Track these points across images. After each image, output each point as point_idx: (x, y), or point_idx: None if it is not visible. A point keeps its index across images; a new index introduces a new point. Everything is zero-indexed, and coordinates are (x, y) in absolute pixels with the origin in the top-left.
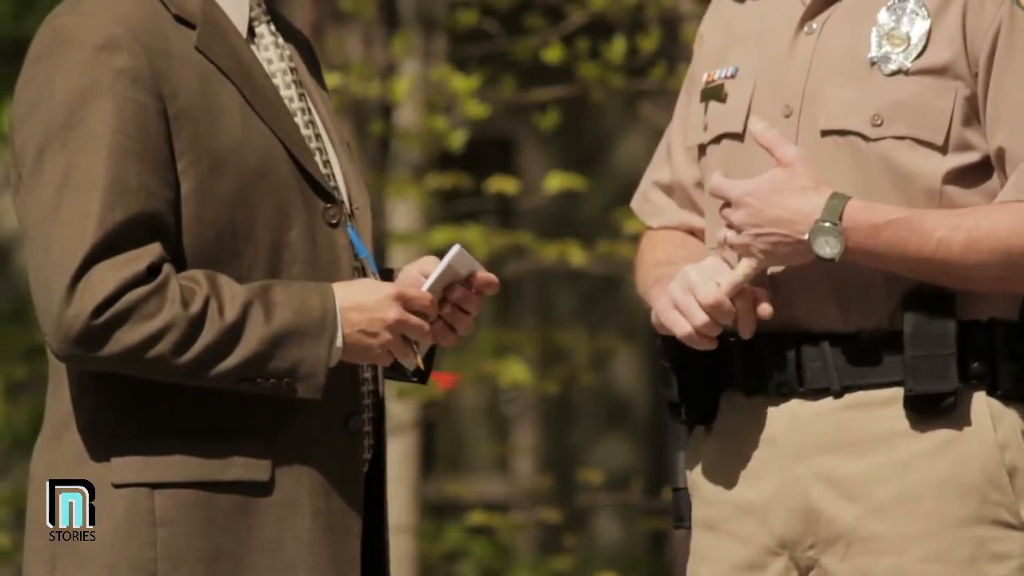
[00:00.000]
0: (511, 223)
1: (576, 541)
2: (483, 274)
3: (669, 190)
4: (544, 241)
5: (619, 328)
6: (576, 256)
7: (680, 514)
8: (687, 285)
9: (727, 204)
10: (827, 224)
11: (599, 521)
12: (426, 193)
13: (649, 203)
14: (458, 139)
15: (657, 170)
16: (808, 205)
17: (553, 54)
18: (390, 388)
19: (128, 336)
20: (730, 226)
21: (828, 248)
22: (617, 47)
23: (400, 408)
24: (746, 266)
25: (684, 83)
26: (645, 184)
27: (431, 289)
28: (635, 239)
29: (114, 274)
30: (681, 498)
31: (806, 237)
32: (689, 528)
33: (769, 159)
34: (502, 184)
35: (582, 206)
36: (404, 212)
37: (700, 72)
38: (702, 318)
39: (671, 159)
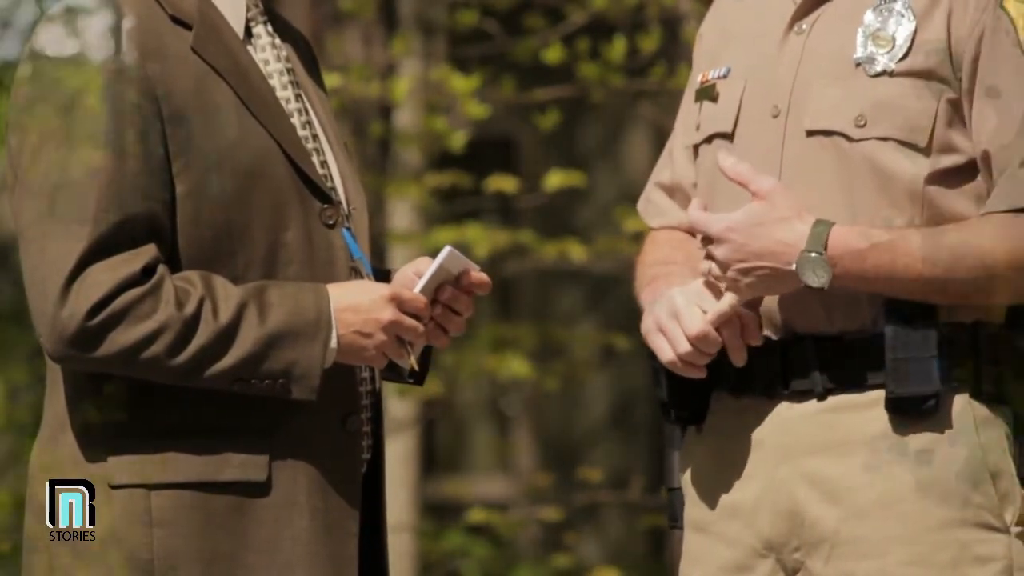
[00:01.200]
0: (512, 223)
1: (577, 539)
2: (475, 274)
3: (671, 191)
4: (544, 240)
5: (621, 327)
6: (577, 252)
7: (675, 514)
8: (673, 310)
9: (708, 239)
10: (813, 254)
11: (600, 520)
12: (426, 193)
13: (651, 204)
14: (458, 140)
15: (660, 171)
16: (793, 235)
17: (553, 54)
18: (389, 387)
19: (123, 337)
20: (710, 257)
21: (816, 278)
22: (617, 47)
23: (400, 406)
24: (732, 298)
25: (688, 84)
26: (649, 185)
27: (423, 290)
28: (636, 237)
29: (109, 275)
30: (675, 498)
31: (793, 267)
32: (683, 529)
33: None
34: (502, 183)
35: (582, 207)
36: (404, 212)
37: (697, 72)
38: (686, 347)
39: (672, 160)
